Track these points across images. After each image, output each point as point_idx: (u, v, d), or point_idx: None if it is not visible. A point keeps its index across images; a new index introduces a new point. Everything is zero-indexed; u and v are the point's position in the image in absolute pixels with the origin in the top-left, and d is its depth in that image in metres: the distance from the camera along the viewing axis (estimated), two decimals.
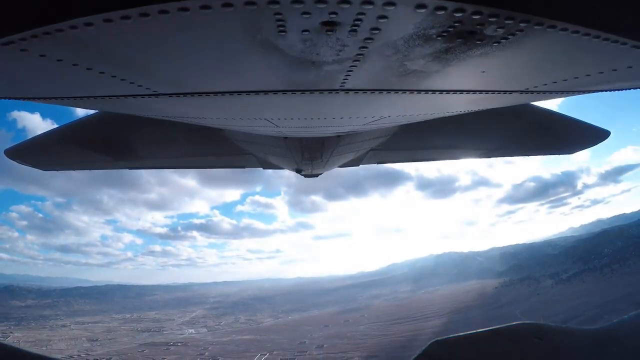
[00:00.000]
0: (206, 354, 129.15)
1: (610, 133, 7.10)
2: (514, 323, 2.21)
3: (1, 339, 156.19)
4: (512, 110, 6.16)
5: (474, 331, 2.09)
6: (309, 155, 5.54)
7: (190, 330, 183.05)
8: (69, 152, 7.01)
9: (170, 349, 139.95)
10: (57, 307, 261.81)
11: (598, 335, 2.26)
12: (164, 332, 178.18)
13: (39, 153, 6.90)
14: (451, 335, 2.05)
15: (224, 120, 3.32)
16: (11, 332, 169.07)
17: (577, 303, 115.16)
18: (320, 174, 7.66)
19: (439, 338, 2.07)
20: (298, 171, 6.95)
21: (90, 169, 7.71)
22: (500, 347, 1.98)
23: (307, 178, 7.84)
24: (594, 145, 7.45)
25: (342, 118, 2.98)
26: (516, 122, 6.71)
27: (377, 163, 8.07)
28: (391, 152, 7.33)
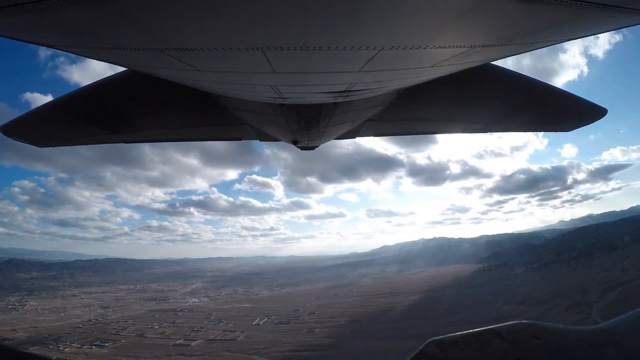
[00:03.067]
0: (211, 317, 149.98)
1: (607, 111, 7.01)
2: (512, 322, 2.20)
3: (19, 307, 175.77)
4: (511, 82, 6.37)
5: (471, 331, 2.08)
6: (306, 124, 5.47)
7: (193, 300, 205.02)
8: (64, 127, 6.86)
9: (178, 314, 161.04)
10: (62, 279, 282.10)
11: (596, 334, 2.22)
12: (170, 301, 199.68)
13: (34, 129, 6.75)
14: (448, 335, 2.01)
15: (220, 56, 2.96)
16: (26, 302, 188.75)
17: (536, 288, 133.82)
18: (317, 146, 7.58)
19: (435, 338, 2.00)
20: (294, 142, 6.82)
21: (86, 144, 7.52)
22: (498, 347, 1.96)
23: (303, 151, 7.78)
24: (591, 122, 7.35)
25: (337, 49, 2.81)
26: (514, 95, 6.67)
27: (374, 135, 8.05)
28: (388, 124, 7.31)
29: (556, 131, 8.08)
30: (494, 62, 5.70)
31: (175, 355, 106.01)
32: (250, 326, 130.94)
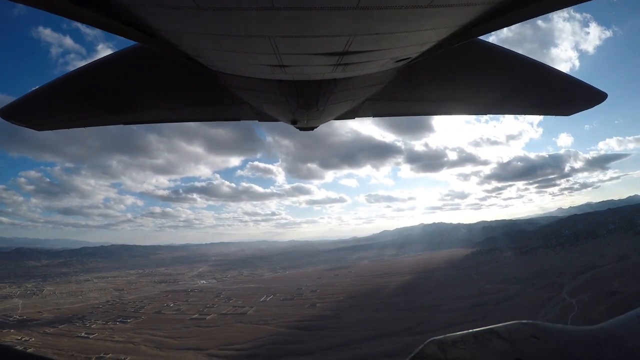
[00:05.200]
0: (221, 296, 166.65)
1: (607, 95, 6.92)
2: (511, 322, 2.28)
3: (37, 292, 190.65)
4: (511, 63, 6.36)
5: (471, 330, 2.14)
6: (305, 102, 5.47)
7: (202, 281, 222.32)
8: (63, 108, 6.83)
9: (189, 294, 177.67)
10: (72, 265, 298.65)
11: (596, 334, 2.31)
12: (180, 283, 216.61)
13: (33, 111, 6.73)
14: (448, 335, 2.09)
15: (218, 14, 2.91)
16: (43, 287, 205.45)
17: (519, 270, 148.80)
18: (316, 127, 7.61)
19: (435, 337, 2.08)
20: (293, 122, 6.85)
21: (85, 126, 7.48)
22: (497, 346, 2.02)
23: (302, 131, 7.88)
24: (591, 107, 7.30)
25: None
26: (514, 76, 6.67)
27: (373, 116, 8.07)
28: (387, 103, 7.29)
29: (556, 115, 8.05)
30: (495, 42, 6.30)
31: (193, 327, 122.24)
32: (257, 302, 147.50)
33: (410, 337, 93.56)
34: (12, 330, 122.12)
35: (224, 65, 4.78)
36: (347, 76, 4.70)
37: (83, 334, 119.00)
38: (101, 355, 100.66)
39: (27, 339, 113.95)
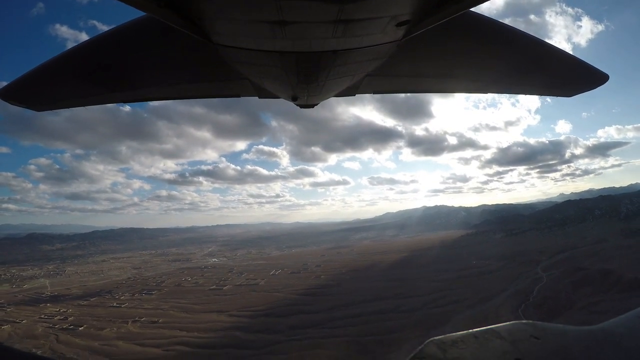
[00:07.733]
0: (234, 271, 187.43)
1: (608, 77, 6.74)
2: (511, 322, 2.32)
3: (60, 272, 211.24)
4: (512, 39, 6.19)
5: (470, 330, 2.17)
6: (305, 77, 5.38)
7: (213, 259, 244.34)
8: (60, 87, 6.62)
9: (204, 270, 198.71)
10: (86, 248, 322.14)
11: (595, 334, 2.34)
12: (193, 261, 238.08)
13: (33, 91, 6.53)
14: (447, 335, 2.12)
15: None
16: (65, 268, 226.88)
17: (505, 249, 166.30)
18: (316, 104, 7.48)
19: (434, 338, 2.11)
20: (293, 99, 6.73)
21: (84, 105, 7.28)
22: (497, 347, 2.04)
23: (302, 109, 7.75)
24: (592, 88, 7.08)
25: None
26: (516, 54, 6.47)
27: (373, 92, 7.83)
28: (387, 79, 7.10)
29: (557, 95, 7.67)
30: (495, 18, 6.11)
31: (212, 296, 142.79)
32: (268, 275, 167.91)
33: (400, 300, 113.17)
34: (48, 305, 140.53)
35: (223, 27, 4.60)
36: (347, 47, 4.64)
37: (115, 304, 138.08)
38: (136, 319, 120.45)
39: (65, 310, 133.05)
